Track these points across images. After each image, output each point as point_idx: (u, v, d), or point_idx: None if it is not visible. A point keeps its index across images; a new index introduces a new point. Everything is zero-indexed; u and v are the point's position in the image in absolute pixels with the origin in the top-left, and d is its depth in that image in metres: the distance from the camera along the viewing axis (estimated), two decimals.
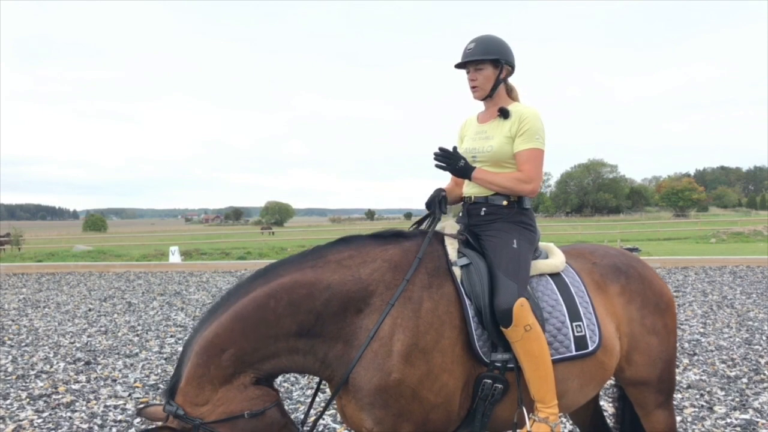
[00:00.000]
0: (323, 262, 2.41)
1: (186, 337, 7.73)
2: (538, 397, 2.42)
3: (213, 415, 2.22)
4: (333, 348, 2.34)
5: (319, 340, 2.33)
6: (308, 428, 2.47)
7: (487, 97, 2.74)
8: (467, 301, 2.42)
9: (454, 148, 2.70)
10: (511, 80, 2.80)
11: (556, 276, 2.70)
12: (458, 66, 2.75)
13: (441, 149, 2.66)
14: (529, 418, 2.44)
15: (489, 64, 2.67)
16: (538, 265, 2.69)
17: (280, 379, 5.77)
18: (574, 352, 2.54)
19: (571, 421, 4.37)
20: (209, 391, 2.24)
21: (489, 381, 2.40)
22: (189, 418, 2.21)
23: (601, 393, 3.28)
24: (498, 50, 2.67)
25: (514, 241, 2.59)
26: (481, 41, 2.69)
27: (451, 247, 2.57)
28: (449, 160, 2.65)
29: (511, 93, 2.79)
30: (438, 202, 2.69)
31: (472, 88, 2.73)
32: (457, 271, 2.50)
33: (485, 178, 2.65)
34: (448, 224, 2.71)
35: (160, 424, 2.27)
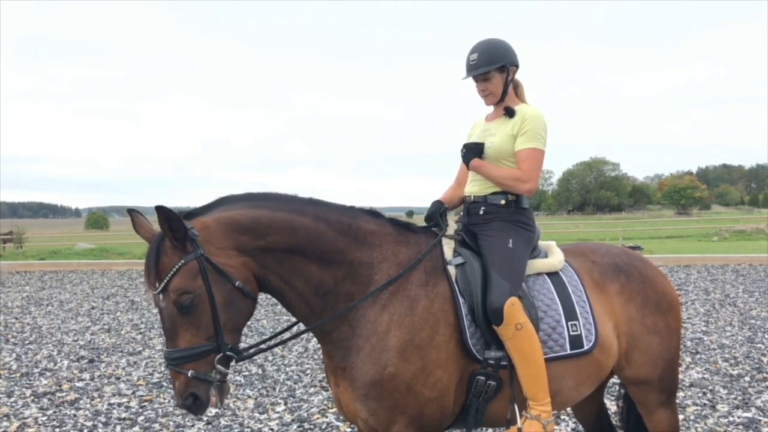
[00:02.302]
0: (356, 227, 2.49)
1: None
2: (530, 394, 2.45)
3: (216, 259, 2.21)
4: (339, 327, 2.41)
5: (328, 313, 2.41)
6: (247, 352, 2.43)
7: (499, 101, 2.77)
8: (461, 300, 2.47)
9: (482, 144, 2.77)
10: (517, 76, 2.81)
11: (553, 275, 2.72)
12: (466, 78, 2.76)
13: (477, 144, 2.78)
14: (521, 416, 2.48)
15: (496, 71, 2.69)
16: (536, 264, 2.72)
17: (282, 377, 5.79)
18: (568, 351, 2.57)
19: (573, 420, 4.39)
20: (228, 245, 2.25)
21: (482, 378, 2.45)
22: (197, 244, 2.18)
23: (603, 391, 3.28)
24: (501, 56, 2.69)
25: (510, 240, 2.62)
26: (484, 50, 2.69)
27: (448, 247, 2.62)
28: (471, 146, 2.77)
29: (517, 89, 2.82)
30: (439, 216, 2.74)
31: (484, 96, 2.77)
32: (452, 270, 2.55)
33: (482, 168, 2.72)
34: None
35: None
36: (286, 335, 2.35)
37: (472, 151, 2.75)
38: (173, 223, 2.14)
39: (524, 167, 2.66)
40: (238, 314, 2.26)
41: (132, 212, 2.35)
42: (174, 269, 2.15)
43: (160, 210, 2.11)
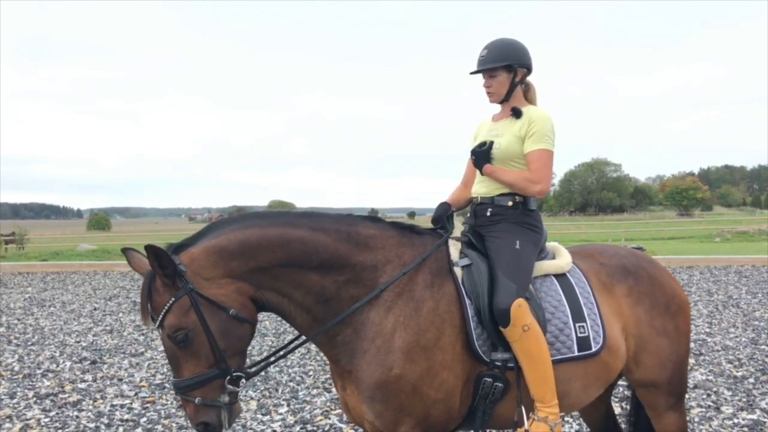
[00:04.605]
0: (355, 233, 2.49)
1: None
2: (538, 396, 2.45)
3: (207, 291, 2.23)
4: (343, 331, 2.41)
5: (331, 317, 2.40)
6: (255, 369, 2.45)
7: (503, 101, 2.78)
8: (467, 301, 2.47)
9: (489, 143, 2.76)
10: (530, 78, 2.82)
11: (561, 277, 2.71)
12: (473, 73, 2.78)
13: (482, 145, 2.78)
14: (529, 418, 2.47)
15: (502, 69, 2.71)
16: (543, 266, 2.71)
17: (285, 378, 5.78)
18: (576, 353, 2.56)
19: (577, 422, 4.37)
20: (218, 274, 2.27)
21: (489, 380, 2.44)
22: (185, 279, 2.21)
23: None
24: (510, 55, 2.70)
25: (517, 242, 2.62)
26: (494, 47, 2.72)
27: (454, 248, 2.61)
28: (479, 151, 2.76)
29: (527, 93, 2.82)
30: (446, 219, 2.73)
31: (488, 93, 2.78)
32: (458, 272, 2.54)
33: (495, 173, 2.72)
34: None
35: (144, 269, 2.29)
36: (291, 346, 2.38)
37: (482, 156, 2.74)
38: (162, 261, 2.18)
39: (534, 168, 2.66)
40: (236, 340, 2.28)
41: (126, 251, 2.42)
42: (166, 308, 2.20)
43: (150, 249, 2.15)
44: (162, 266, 2.18)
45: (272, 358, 2.59)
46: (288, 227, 2.39)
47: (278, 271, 2.34)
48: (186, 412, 2.27)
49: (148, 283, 2.24)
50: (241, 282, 2.30)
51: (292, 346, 2.61)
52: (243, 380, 2.30)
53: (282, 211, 2.52)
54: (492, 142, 2.74)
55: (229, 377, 2.25)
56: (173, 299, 2.19)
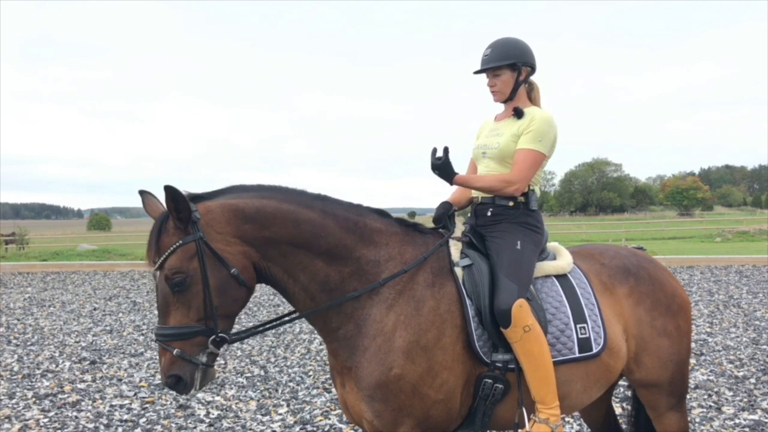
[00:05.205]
0: (363, 224, 2.49)
1: None
2: (539, 398, 2.44)
3: (215, 244, 2.23)
4: (345, 325, 2.40)
5: (335, 309, 2.40)
6: (239, 336, 2.41)
7: (508, 100, 2.76)
8: (468, 301, 2.46)
9: (443, 148, 2.61)
10: (533, 78, 2.80)
11: (562, 277, 2.70)
12: (477, 72, 2.77)
13: (434, 154, 2.60)
14: (530, 419, 2.46)
15: (506, 68, 2.69)
16: (544, 267, 2.70)
17: (285, 378, 5.77)
18: (577, 354, 2.55)
19: (578, 422, 4.36)
20: (229, 232, 2.27)
21: (489, 381, 2.43)
22: (197, 227, 2.21)
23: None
24: (514, 53, 2.68)
25: (518, 242, 2.60)
26: (497, 46, 2.71)
27: (455, 248, 2.61)
28: (438, 164, 2.61)
29: (531, 92, 2.80)
30: (447, 218, 2.71)
31: (492, 92, 2.76)
32: (459, 272, 2.53)
33: (468, 182, 2.68)
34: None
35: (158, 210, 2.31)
36: (280, 324, 2.39)
37: (446, 169, 2.60)
38: (179, 204, 2.18)
39: (516, 168, 2.63)
40: (231, 301, 2.28)
41: (143, 193, 2.43)
42: (171, 248, 2.20)
43: (168, 189, 2.15)
44: (177, 209, 2.18)
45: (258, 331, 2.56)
46: (301, 207, 2.40)
47: (287, 248, 2.35)
48: (161, 362, 2.25)
49: (160, 223, 2.25)
50: (249, 247, 2.30)
51: (283, 319, 2.57)
52: (225, 344, 2.29)
53: (299, 189, 2.51)
54: (447, 148, 2.61)
55: (213, 337, 2.23)
56: (181, 242, 2.20)
